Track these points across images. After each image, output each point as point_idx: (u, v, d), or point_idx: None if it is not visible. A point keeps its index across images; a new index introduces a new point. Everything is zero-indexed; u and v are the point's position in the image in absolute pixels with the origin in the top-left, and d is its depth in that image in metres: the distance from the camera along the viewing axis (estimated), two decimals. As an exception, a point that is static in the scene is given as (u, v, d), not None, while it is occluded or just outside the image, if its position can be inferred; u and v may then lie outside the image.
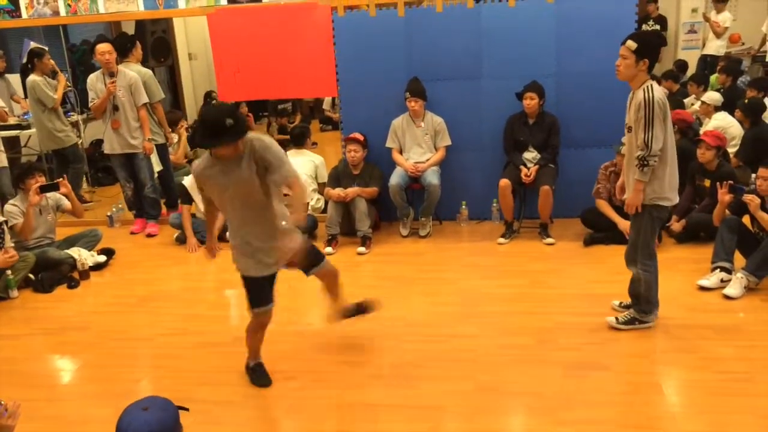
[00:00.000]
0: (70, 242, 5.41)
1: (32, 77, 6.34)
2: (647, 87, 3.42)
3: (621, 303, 4.03)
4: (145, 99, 5.85)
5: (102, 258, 5.36)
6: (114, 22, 7.97)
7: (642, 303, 3.74)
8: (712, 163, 5.00)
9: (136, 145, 5.90)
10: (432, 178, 5.49)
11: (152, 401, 2.15)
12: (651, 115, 3.36)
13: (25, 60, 6.67)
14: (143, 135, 5.90)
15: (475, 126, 5.71)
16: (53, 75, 6.63)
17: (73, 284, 5.01)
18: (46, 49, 6.66)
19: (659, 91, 3.42)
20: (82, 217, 5.76)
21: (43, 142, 6.64)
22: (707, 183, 5.01)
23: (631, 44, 3.43)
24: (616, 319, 3.79)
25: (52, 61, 6.53)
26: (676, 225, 5.09)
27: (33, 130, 6.82)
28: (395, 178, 5.53)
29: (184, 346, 3.98)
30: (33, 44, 6.76)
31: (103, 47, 5.67)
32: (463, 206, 5.83)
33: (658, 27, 9.44)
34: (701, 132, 5.64)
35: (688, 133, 5.80)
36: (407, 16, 5.58)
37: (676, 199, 3.63)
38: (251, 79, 5.91)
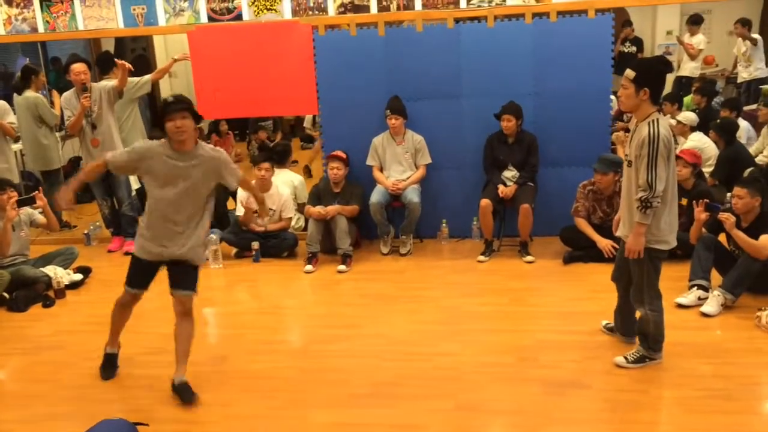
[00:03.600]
0: (46, 260, 5.32)
1: (32, 93, 6.24)
2: (653, 121, 3.19)
3: (607, 324, 4.00)
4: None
5: (78, 276, 5.28)
6: (93, 39, 7.94)
7: (651, 342, 3.58)
8: (689, 181, 5.06)
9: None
10: (412, 196, 5.50)
11: (104, 426, 2.09)
12: (655, 153, 3.14)
13: (19, 76, 6.56)
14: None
15: (456, 144, 5.74)
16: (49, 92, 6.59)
17: (48, 303, 4.93)
18: (40, 66, 6.60)
19: (665, 127, 3.21)
20: (57, 230, 5.68)
21: (34, 160, 6.52)
22: (684, 202, 5.07)
23: (630, 73, 3.24)
24: (626, 358, 3.61)
25: (44, 78, 6.47)
26: None
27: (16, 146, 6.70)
28: (376, 196, 5.54)
29: (161, 365, 3.91)
30: (27, 61, 6.70)
31: (79, 67, 5.58)
32: (444, 224, 5.85)
33: (634, 48, 9.61)
34: (677, 151, 5.72)
35: None
36: (387, 36, 5.62)
37: (674, 243, 3.42)
38: (232, 98, 5.91)
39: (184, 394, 3.47)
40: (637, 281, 3.51)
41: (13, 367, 4.06)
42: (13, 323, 4.69)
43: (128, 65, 5.52)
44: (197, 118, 3.44)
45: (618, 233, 3.64)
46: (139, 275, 3.64)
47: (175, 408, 3.45)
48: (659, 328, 3.55)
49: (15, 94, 6.35)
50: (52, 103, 6.52)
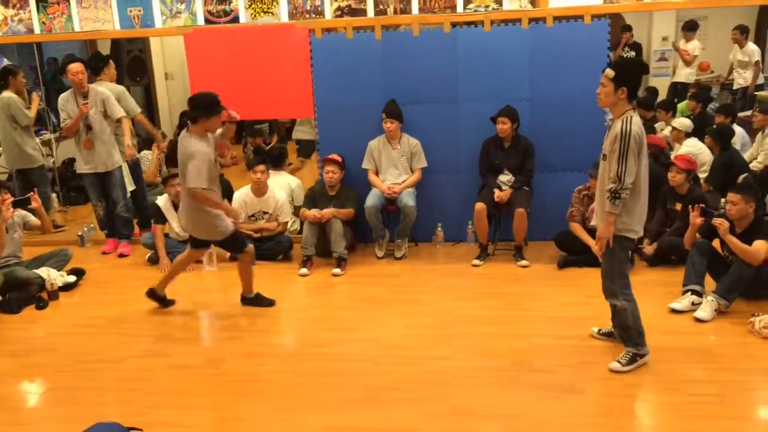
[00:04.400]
0: (40, 262, 5.30)
1: (7, 94, 6.22)
2: (626, 118, 3.37)
3: (600, 330, 4.01)
4: (120, 113, 5.79)
5: (72, 278, 5.26)
6: (89, 40, 7.94)
7: (634, 336, 3.62)
8: (683, 186, 5.09)
9: (110, 164, 5.83)
10: (408, 199, 5.50)
11: (98, 429, 2.09)
12: (626, 148, 3.32)
13: None
14: (124, 145, 5.83)
15: (451, 148, 5.75)
16: (29, 94, 6.55)
17: (41, 305, 4.91)
18: (20, 67, 6.57)
19: (637, 125, 3.37)
20: (50, 231, 5.67)
21: (10, 160, 6.49)
22: (678, 207, 5.10)
23: (609, 72, 3.40)
24: (619, 362, 3.63)
25: (23, 80, 6.44)
26: (648, 248, 5.16)
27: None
28: (371, 200, 5.54)
29: (154, 368, 3.91)
30: (6, 62, 6.67)
31: (75, 67, 5.59)
32: (439, 228, 5.85)
33: (633, 54, 9.66)
34: (672, 157, 5.75)
35: (659, 158, 5.91)
36: (384, 40, 5.63)
37: (642, 232, 3.60)
38: (228, 100, 5.87)
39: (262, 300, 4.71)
40: (607, 271, 3.62)
41: (5, 369, 4.03)
42: (5, 325, 4.67)
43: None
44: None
45: (593, 222, 3.75)
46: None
47: (169, 411, 3.44)
48: (637, 317, 3.62)
49: None
50: (30, 104, 6.47)
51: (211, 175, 4.31)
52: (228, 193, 6.20)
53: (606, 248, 3.53)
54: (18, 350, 4.25)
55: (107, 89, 5.84)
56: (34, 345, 4.31)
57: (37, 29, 6.06)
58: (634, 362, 3.62)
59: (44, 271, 5.12)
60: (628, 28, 9.77)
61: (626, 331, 3.64)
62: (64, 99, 5.75)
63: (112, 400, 3.63)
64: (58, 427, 3.36)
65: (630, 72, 3.44)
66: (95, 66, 5.99)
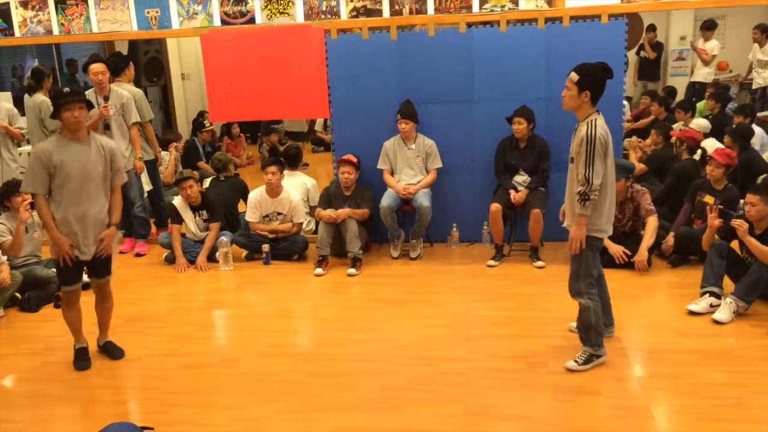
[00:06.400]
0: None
1: (41, 96, 6.26)
2: (591, 122, 3.42)
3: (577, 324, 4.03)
4: (136, 118, 5.84)
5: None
6: (107, 41, 8.00)
7: (593, 336, 3.65)
8: (720, 182, 5.04)
9: (126, 164, 5.86)
10: (423, 200, 5.50)
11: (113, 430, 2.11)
12: (592, 151, 3.37)
13: (28, 78, 6.59)
14: (134, 154, 5.88)
15: (467, 149, 5.74)
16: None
17: (59, 304, 4.92)
18: (56, 67, 6.63)
19: (602, 127, 3.42)
20: None
21: None
22: (711, 200, 5.01)
23: (573, 76, 3.46)
24: (576, 361, 3.66)
25: (51, 80, 6.50)
26: (669, 239, 5.12)
27: (24, 148, 6.74)
28: (386, 200, 5.54)
29: (171, 367, 3.94)
30: (36, 63, 6.72)
31: (97, 67, 5.64)
32: (454, 228, 5.84)
33: (654, 54, 9.60)
34: (710, 152, 5.67)
35: (694, 152, 5.85)
36: (400, 40, 5.63)
37: (611, 231, 3.65)
38: (243, 100, 5.93)
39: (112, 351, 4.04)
40: (574, 270, 3.67)
41: (24, 366, 4.08)
42: (24, 323, 4.73)
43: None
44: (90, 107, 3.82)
45: (565, 224, 3.76)
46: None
47: (186, 410, 3.46)
48: (599, 317, 3.66)
49: (26, 96, 6.38)
50: None
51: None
52: (244, 193, 6.24)
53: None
54: (36, 349, 4.29)
55: (127, 91, 5.88)
56: (52, 343, 4.35)
57: (56, 30, 6.12)
58: (591, 362, 3.67)
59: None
60: (652, 28, 9.71)
61: (587, 330, 3.67)
62: (85, 99, 5.80)
63: (130, 398, 3.67)
64: (77, 426, 3.40)
65: (593, 76, 3.47)
66: (116, 66, 6.04)
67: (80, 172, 3.67)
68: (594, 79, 3.46)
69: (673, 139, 6.20)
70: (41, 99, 6.21)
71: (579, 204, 3.47)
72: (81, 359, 3.98)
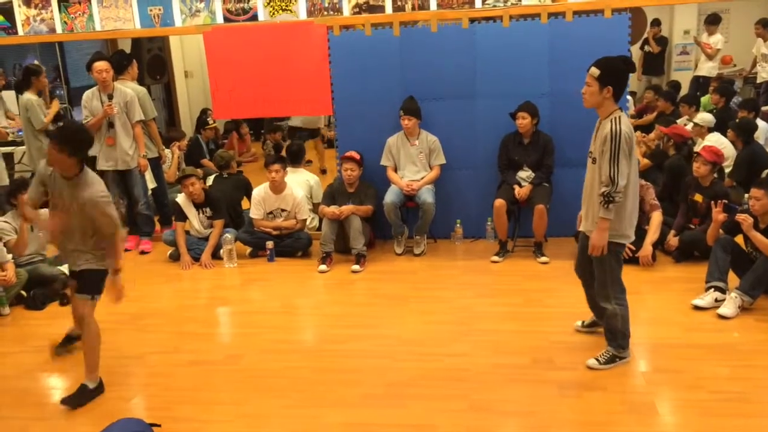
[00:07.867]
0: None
1: (27, 95, 6.26)
2: (615, 118, 3.28)
3: (584, 323, 4.02)
4: (140, 116, 5.85)
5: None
6: (110, 39, 8.00)
7: (619, 338, 3.60)
8: (707, 178, 5.03)
9: (130, 162, 5.88)
10: (427, 196, 5.49)
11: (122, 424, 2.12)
12: (617, 149, 3.23)
13: (20, 77, 6.62)
14: (138, 152, 5.88)
15: (470, 145, 5.72)
16: (51, 95, 6.60)
17: (65, 301, 4.97)
18: (43, 67, 6.63)
19: (626, 125, 3.29)
20: None
21: (31, 160, 6.57)
22: (699, 198, 5.02)
23: (594, 71, 3.32)
24: (597, 360, 3.62)
25: (46, 80, 6.50)
26: (673, 239, 5.11)
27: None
28: (390, 196, 5.53)
29: (176, 364, 3.95)
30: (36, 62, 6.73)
31: (101, 65, 5.65)
32: (458, 225, 5.83)
33: (659, 48, 9.57)
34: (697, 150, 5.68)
35: (682, 149, 5.83)
36: (402, 36, 5.62)
37: (633, 237, 3.51)
38: (247, 97, 5.93)
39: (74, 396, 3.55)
40: (600, 277, 3.54)
41: (30, 364, 4.09)
42: (30, 321, 4.74)
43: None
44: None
45: (581, 228, 3.67)
46: None
47: (190, 406, 3.47)
48: (626, 322, 3.58)
49: (17, 94, 6.38)
50: (48, 106, 6.50)
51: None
52: (247, 191, 6.24)
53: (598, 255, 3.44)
54: (42, 346, 4.29)
55: (129, 89, 5.89)
56: (57, 341, 4.35)
57: (59, 29, 6.13)
58: (613, 362, 3.61)
59: (67, 268, 5.17)
60: (657, 23, 9.69)
61: (613, 333, 3.61)
62: (88, 97, 5.81)
63: (134, 395, 3.67)
64: (81, 423, 3.40)
65: (615, 70, 3.35)
66: (119, 65, 6.05)
67: (63, 205, 3.57)
68: (616, 74, 3.34)
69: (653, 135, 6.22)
70: (28, 98, 6.19)
71: (602, 207, 3.32)
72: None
